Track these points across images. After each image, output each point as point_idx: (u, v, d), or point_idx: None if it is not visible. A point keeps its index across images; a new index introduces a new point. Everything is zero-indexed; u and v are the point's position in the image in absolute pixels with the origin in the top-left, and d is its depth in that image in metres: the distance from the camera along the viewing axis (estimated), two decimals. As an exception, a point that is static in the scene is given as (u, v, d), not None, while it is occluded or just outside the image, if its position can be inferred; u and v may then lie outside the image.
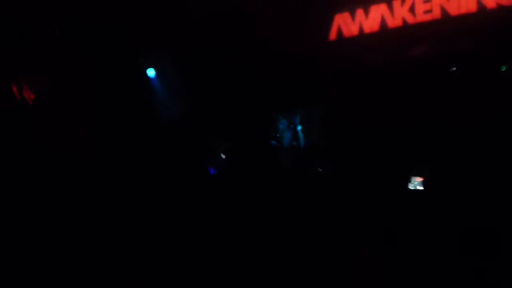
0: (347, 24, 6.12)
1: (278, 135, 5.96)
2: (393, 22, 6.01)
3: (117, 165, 6.33)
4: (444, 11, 5.78)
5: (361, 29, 6.07)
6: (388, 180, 5.17)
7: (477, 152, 5.50)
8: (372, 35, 6.02)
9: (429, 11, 5.86)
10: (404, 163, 5.87)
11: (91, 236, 4.54)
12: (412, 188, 5.25)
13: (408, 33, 5.99)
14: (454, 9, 5.73)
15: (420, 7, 5.90)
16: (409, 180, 5.14)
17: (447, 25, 5.83)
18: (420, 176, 5.10)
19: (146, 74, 7.33)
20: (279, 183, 5.22)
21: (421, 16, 5.89)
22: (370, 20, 6.12)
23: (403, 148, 6.05)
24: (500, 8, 5.50)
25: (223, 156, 6.29)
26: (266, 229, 4.43)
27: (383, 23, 6.05)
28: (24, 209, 4.84)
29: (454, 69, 6.19)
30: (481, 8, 5.59)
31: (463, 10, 5.69)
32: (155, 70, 7.44)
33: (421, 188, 5.21)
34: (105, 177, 5.79)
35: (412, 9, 5.92)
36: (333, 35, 6.08)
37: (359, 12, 6.17)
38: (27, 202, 4.96)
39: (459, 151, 5.69)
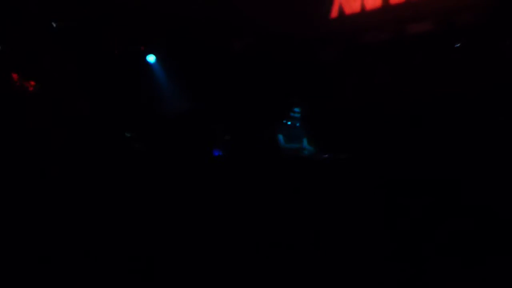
0: (349, 1, 6.04)
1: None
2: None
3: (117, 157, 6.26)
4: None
5: (362, 6, 5.99)
6: (393, 160, 5.05)
7: (483, 129, 5.41)
8: (374, 12, 5.93)
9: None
10: (409, 141, 5.77)
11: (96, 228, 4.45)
12: None
13: (411, 9, 5.91)
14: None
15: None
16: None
17: (450, 0, 5.76)
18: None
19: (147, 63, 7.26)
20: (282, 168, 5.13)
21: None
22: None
23: (407, 125, 5.95)
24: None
25: (227, 138, 6.19)
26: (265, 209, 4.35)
27: (385, -1, 5.96)
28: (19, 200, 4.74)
29: (458, 45, 6.12)
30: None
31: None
32: (156, 60, 7.38)
33: None
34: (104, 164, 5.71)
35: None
36: (334, 13, 6.01)
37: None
38: (23, 191, 4.86)
39: (465, 128, 5.61)
